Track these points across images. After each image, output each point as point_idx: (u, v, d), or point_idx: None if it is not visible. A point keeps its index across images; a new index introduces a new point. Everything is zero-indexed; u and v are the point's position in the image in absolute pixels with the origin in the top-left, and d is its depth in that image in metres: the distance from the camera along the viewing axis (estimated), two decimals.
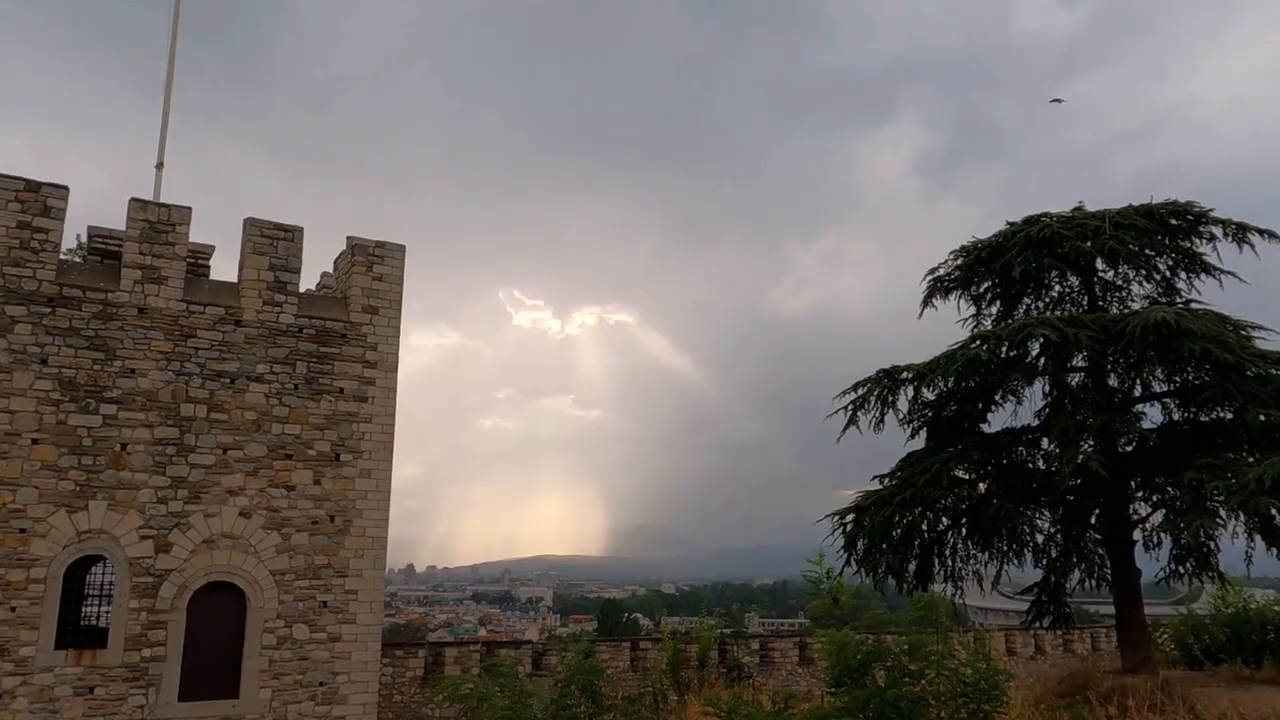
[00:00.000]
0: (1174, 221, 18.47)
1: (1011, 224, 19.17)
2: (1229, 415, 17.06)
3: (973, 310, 20.24)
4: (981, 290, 20.05)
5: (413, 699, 21.56)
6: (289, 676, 17.13)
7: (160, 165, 21.17)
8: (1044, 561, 19.12)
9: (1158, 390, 18.55)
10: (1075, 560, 18.90)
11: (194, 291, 17.68)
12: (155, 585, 16.38)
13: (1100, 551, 18.77)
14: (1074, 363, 17.99)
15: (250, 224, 18.43)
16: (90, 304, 16.69)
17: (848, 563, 18.76)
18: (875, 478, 19.36)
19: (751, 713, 10.81)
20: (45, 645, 15.43)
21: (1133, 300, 19.21)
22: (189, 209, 17.78)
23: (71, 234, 23.03)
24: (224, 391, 17.48)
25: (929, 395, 18.95)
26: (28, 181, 16.48)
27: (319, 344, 18.54)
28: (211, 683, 16.53)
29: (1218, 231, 18.33)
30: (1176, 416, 18.42)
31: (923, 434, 19.60)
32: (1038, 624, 20.37)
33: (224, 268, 19.38)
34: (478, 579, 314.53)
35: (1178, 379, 18.06)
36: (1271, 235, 17.91)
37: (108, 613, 16.63)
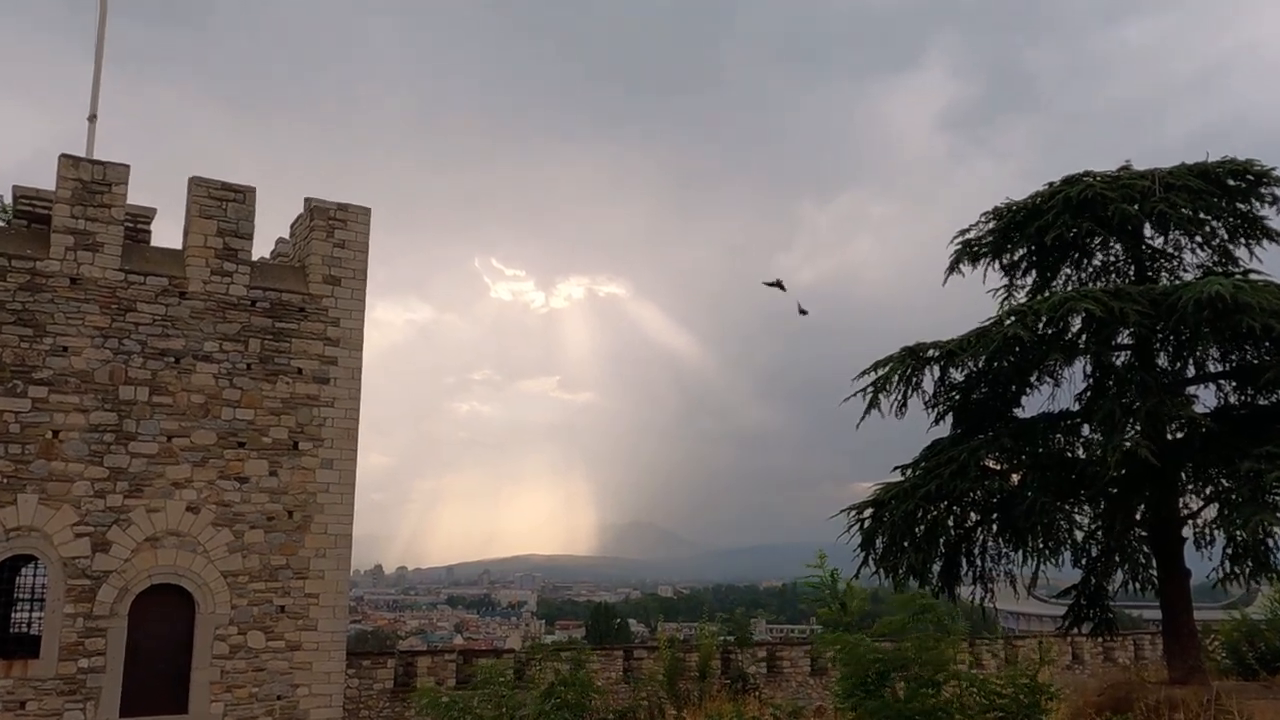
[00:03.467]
0: (1232, 182, 18.40)
1: (1050, 184, 19.11)
2: None
3: (1005, 280, 20.20)
4: (1015, 258, 19.99)
5: (381, 713, 21.63)
6: (243, 689, 17.17)
7: (93, 118, 20.97)
8: (1083, 561, 19.18)
9: (1212, 371, 18.57)
10: (1118, 560, 18.95)
11: (133, 260, 17.57)
12: (93, 588, 16.37)
13: (1146, 550, 18.83)
14: (1119, 340, 17.97)
15: (196, 184, 18.29)
16: (16, 274, 16.58)
17: (865, 562, 18.81)
18: (896, 468, 19.38)
19: None
20: None
21: (1185, 270, 19.17)
22: (126, 167, 17.64)
23: None
24: (168, 372, 17.41)
25: (957, 376, 18.95)
26: None
27: (274, 319, 18.46)
28: (157, 696, 16.57)
29: None
30: (1233, 400, 18.46)
31: (949, 420, 19.61)
32: (1076, 630, 20.47)
33: (167, 233, 19.29)
34: (453, 581, 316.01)
35: (1235, 358, 18.07)
36: None
37: (40, 619, 16.64)
